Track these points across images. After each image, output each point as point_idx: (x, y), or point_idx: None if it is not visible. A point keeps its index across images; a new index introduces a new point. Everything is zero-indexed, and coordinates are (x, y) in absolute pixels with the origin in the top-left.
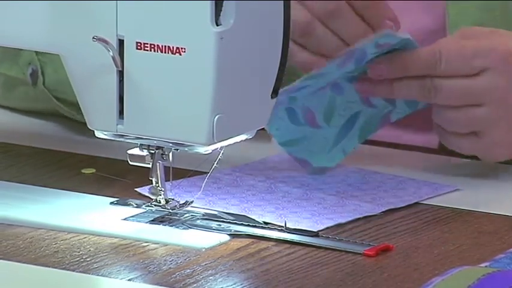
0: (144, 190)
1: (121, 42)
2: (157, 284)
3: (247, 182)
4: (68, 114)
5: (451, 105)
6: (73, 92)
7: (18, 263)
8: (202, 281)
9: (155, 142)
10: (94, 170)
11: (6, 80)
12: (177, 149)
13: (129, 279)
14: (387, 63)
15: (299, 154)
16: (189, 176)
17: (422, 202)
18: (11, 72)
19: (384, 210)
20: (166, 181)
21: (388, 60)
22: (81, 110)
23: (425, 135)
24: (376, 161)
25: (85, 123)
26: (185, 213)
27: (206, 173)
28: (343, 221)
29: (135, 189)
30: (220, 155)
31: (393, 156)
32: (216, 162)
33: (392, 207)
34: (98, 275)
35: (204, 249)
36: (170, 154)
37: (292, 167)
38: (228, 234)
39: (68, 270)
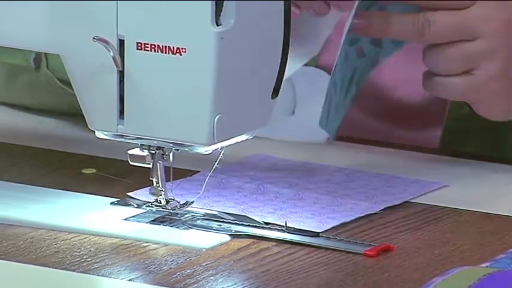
0: (136, 194)
1: (121, 43)
2: (157, 284)
3: (233, 183)
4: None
5: (443, 43)
6: None
7: (19, 263)
8: (203, 281)
9: (155, 142)
10: (94, 170)
11: (9, 70)
12: (178, 149)
13: (130, 280)
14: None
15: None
16: (190, 176)
17: (422, 202)
18: (14, 60)
19: (382, 208)
20: (166, 181)
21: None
22: None
23: (415, 132)
24: (356, 159)
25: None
26: (186, 214)
27: (206, 173)
28: (346, 220)
29: (127, 193)
30: (221, 155)
31: (374, 154)
32: (216, 163)
33: (389, 205)
34: (98, 275)
35: (204, 250)
36: (171, 154)
37: (273, 167)
38: (229, 235)
39: (68, 270)
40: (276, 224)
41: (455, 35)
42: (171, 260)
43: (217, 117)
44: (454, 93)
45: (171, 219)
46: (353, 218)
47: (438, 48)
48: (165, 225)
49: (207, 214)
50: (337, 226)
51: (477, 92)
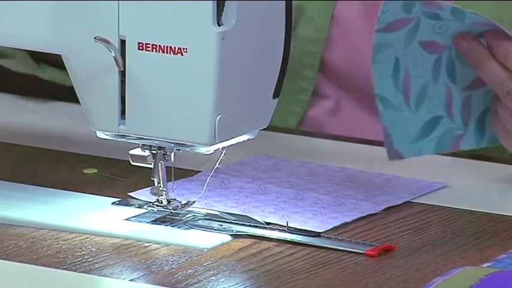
0: (138, 194)
1: (123, 43)
2: (159, 284)
3: (234, 183)
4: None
5: None
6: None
7: (20, 263)
8: (204, 281)
9: (157, 142)
10: (96, 170)
11: None
12: (179, 149)
13: (131, 280)
14: (474, 43)
15: (388, 122)
16: (191, 176)
17: (423, 202)
18: None
19: (383, 208)
20: (168, 181)
21: (476, 42)
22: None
23: None
24: (357, 159)
25: (67, 87)
26: (187, 214)
27: (208, 173)
28: (348, 220)
29: (129, 193)
30: (222, 155)
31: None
32: (218, 163)
33: (390, 205)
34: (99, 275)
35: (206, 250)
36: (172, 154)
37: (274, 167)
38: (230, 235)
39: (69, 270)
40: (277, 224)
41: None
42: (172, 260)
43: (218, 117)
44: None
45: (173, 219)
46: (354, 218)
47: None
48: (167, 225)
49: (208, 214)
50: (339, 226)
51: None
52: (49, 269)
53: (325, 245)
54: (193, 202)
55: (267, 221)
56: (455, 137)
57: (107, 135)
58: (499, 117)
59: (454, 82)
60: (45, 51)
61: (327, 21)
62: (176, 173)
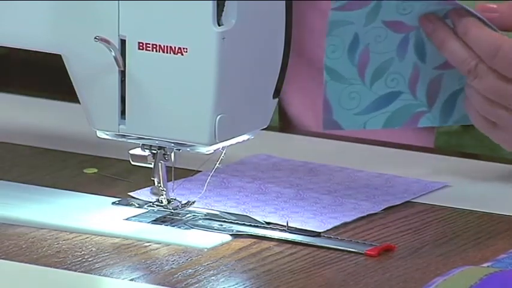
0: (138, 194)
1: (123, 42)
2: (159, 284)
3: (235, 183)
4: None
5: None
6: None
7: (20, 263)
8: (204, 281)
9: (157, 142)
10: (96, 170)
11: None
12: (179, 149)
13: (131, 279)
14: (439, 23)
15: (331, 95)
16: (191, 176)
17: (423, 202)
18: None
19: (383, 208)
20: (168, 181)
21: (441, 22)
22: None
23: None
24: (357, 159)
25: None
26: (187, 213)
27: (208, 173)
28: (348, 220)
29: (129, 193)
30: (223, 155)
31: (375, 154)
32: (218, 162)
33: (390, 204)
34: (99, 275)
35: (206, 249)
36: (172, 154)
37: (274, 167)
38: (230, 235)
39: (69, 270)
40: (278, 224)
41: (493, 98)
42: (172, 259)
43: (218, 117)
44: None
45: (173, 219)
46: (354, 218)
47: (480, 96)
48: (167, 225)
49: (208, 214)
50: (339, 226)
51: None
52: (49, 268)
53: (325, 245)
54: (194, 202)
55: (267, 220)
56: (414, 114)
57: (107, 135)
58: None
59: (423, 61)
60: (45, 51)
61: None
62: (176, 173)
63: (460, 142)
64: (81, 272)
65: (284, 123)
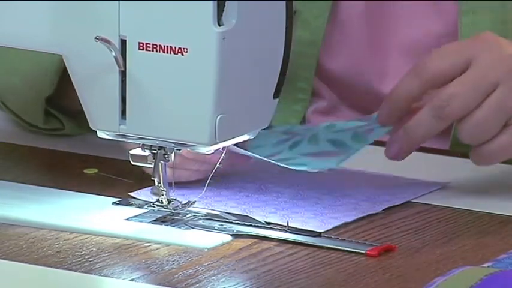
0: (138, 194)
1: (123, 42)
2: (159, 284)
3: (235, 183)
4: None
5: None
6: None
7: (21, 263)
8: (205, 281)
9: (157, 142)
10: (96, 170)
11: None
12: (179, 149)
13: (132, 279)
14: (397, 136)
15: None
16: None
17: (423, 202)
18: None
19: (383, 208)
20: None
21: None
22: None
23: None
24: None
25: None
26: (187, 214)
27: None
28: (348, 220)
29: (129, 193)
30: (223, 155)
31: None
32: (218, 162)
33: (391, 204)
34: (100, 275)
35: (206, 250)
36: (172, 154)
37: (274, 167)
38: (231, 235)
39: (70, 270)
40: (278, 224)
41: (476, 98)
42: (172, 260)
43: (219, 117)
44: (508, 153)
45: (173, 219)
46: (354, 218)
47: (470, 120)
48: (167, 225)
49: (208, 214)
50: (339, 226)
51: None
52: (49, 269)
53: (326, 245)
54: (194, 202)
55: (268, 220)
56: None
57: (107, 135)
58: (469, 141)
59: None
60: (45, 51)
61: (323, 24)
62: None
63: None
64: (82, 272)
65: None
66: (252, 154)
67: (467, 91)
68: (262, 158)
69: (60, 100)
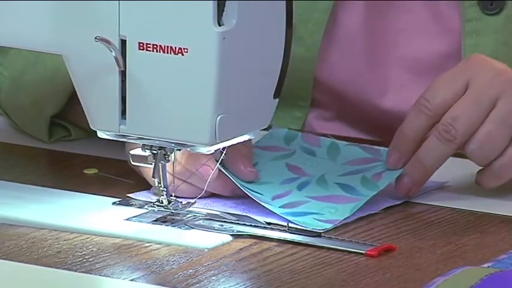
0: (138, 194)
1: (123, 43)
2: (159, 284)
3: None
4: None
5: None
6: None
7: (21, 263)
8: (205, 281)
9: (157, 142)
10: (96, 170)
11: None
12: (180, 149)
13: (132, 280)
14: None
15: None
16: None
17: (423, 202)
18: None
19: (383, 208)
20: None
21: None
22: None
23: None
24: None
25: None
26: (187, 214)
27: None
28: (348, 220)
29: (128, 194)
30: (223, 155)
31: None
32: (218, 163)
33: (390, 204)
34: (100, 275)
35: (206, 250)
36: (172, 154)
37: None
38: (231, 235)
39: (70, 270)
40: (278, 224)
41: (479, 115)
42: (172, 260)
43: (219, 117)
44: None
45: (173, 219)
46: (355, 218)
47: (477, 138)
48: (167, 226)
49: (208, 214)
50: (339, 226)
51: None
52: (50, 269)
53: (326, 245)
54: (194, 202)
55: (268, 221)
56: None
57: (107, 135)
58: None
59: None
60: (46, 51)
61: (319, 41)
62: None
63: None
64: (82, 272)
65: None
66: (243, 185)
67: (469, 110)
68: (249, 193)
69: (67, 116)
